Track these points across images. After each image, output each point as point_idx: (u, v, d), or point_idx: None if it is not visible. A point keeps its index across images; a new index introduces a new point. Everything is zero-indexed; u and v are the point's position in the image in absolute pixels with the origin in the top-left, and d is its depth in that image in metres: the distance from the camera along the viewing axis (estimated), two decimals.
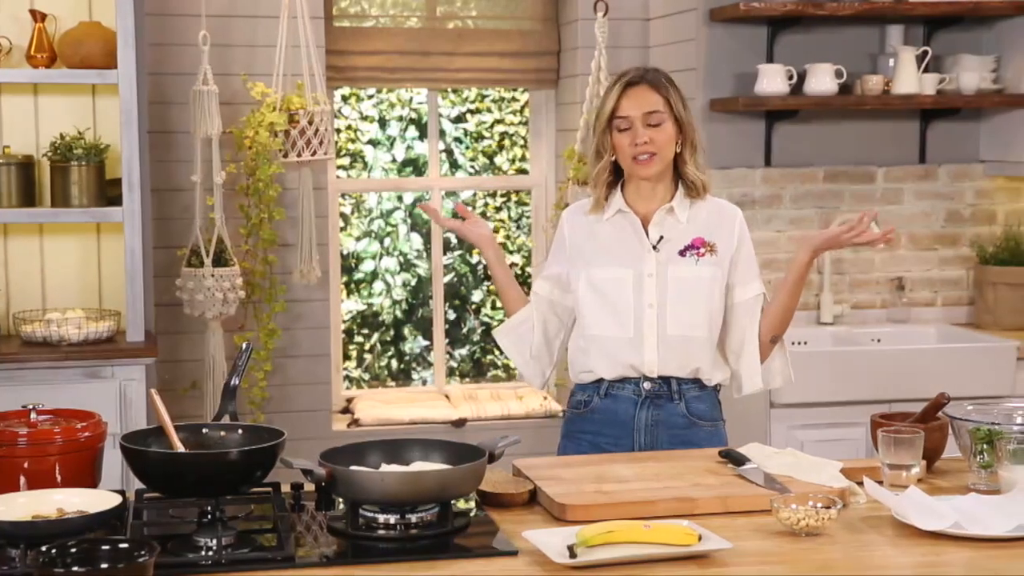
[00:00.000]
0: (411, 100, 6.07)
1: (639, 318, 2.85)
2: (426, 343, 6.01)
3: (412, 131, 6.10)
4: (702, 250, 2.87)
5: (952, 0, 4.46)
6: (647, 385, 2.86)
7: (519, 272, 6.12)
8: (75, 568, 1.91)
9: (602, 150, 2.88)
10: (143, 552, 1.94)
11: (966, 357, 4.26)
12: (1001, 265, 4.64)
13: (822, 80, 4.43)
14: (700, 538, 2.12)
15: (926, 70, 4.53)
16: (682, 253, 2.87)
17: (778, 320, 2.90)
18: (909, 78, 4.49)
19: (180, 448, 2.35)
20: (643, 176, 2.85)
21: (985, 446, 2.50)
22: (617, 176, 2.92)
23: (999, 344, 4.34)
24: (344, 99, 5.96)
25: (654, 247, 2.87)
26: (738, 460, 2.57)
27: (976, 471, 2.53)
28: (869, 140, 4.71)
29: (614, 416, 2.88)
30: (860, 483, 2.44)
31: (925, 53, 4.53)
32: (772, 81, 4.41)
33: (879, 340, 4.58)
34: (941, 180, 4.77)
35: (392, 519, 2.23)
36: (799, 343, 4.47)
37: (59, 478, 2.32)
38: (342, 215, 5.72)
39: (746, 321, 2.89)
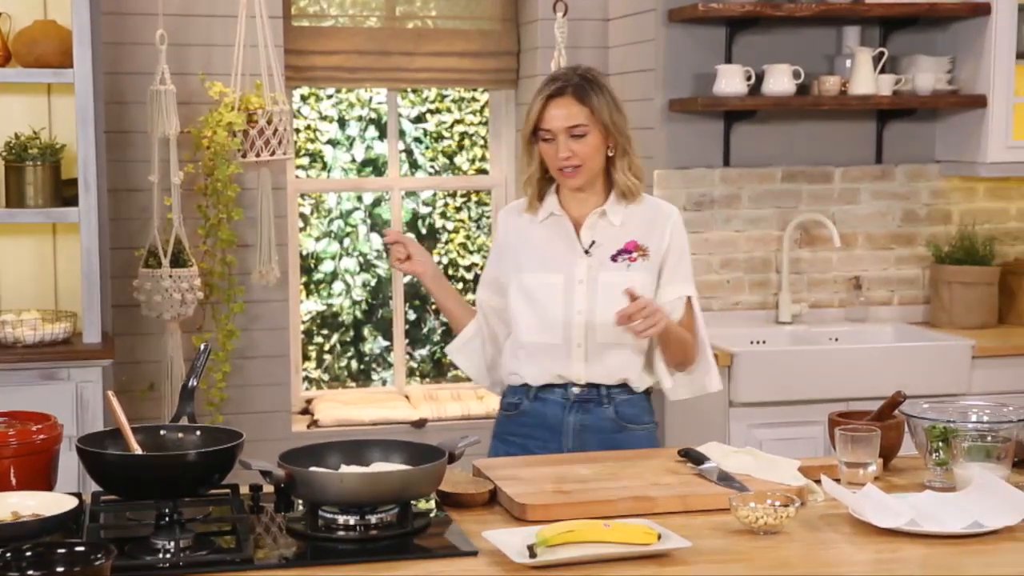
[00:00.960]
0: (370, 100, 6.06)
1: (568, 326, 2.83)
2: (386, 344, 5.99)
3: (372, 131, 6.08)
4: (634, 254, 2.84)
5: (908, 1, 4.50)
6: (575, 390, 2.86)
7: (479, 272, 6.12)
8: (30, 572, 1.90)
9: (530, 158, 2.86)
10: (100, 555, 1.92)
11: (922, 356, 4.30)
12: (956, 264, 4.69)
13: (780, 81, 4.46)
14: (659, 537, 2.13)
15: (882, 71, 4.57)
16: (614, 258, 2.84)
17: (669, 359, 2.88)
18: (866, 79, 4.52)
19: (137, 450, 2.33)
20: (569, 187, 2.84)
21: (941, 444, 2.53)
22: (551, 177, 2.88)
23: (954, 343, 4.39)
24: (303, 99, 5.94)
25: (586, 251, 2.85)
26: (697, 459, 2.58)
27: (932, 468, 2.55)
28: (826, 140, 4.74)
29: (543, 419, 2.87)
30: (818, 481, 2.45)
31: (881, 54, 4.57)
32: (731, 82, 4.43)
33: (837, 339, 4.61)
34: (897, 180, 4.81)
35: (352, 520, 2.23)
36: (757, 342, 4.50)
37: (14, 481, 2.30)
38: (301, 215, 5.70)
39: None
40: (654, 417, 2.96)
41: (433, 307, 6.16)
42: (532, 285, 2.86)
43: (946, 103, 4.61)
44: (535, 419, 2.88)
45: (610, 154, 2.83)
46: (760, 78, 4.50)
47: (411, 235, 2.82)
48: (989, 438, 2.46)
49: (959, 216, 4.86)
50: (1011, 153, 4.55)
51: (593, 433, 2.85)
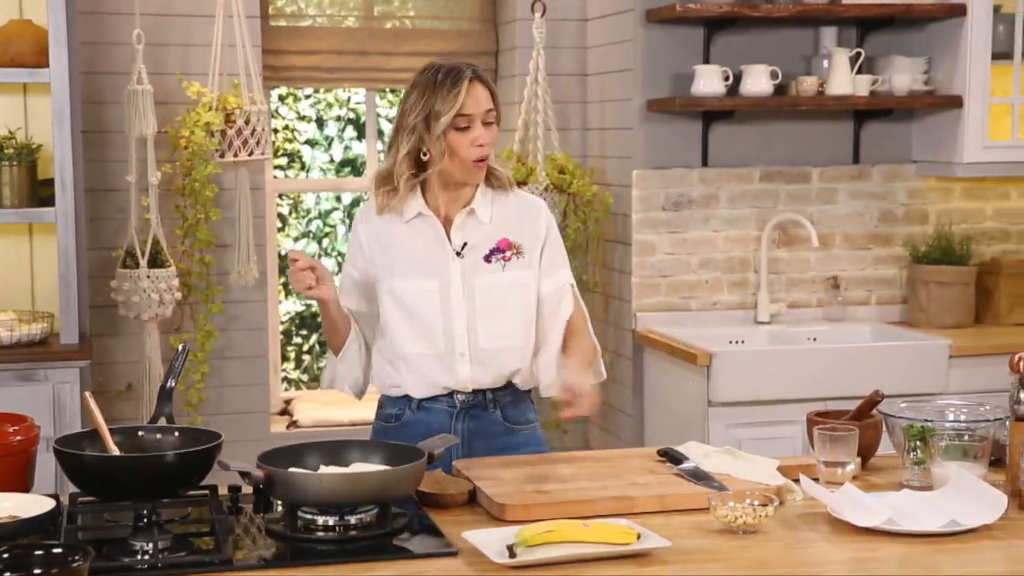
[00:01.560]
0: (349, 100, 6.05)
1: (448, 334, 2.73)
2: None
3: (350, 131, 6.08)
4: (508, 253, 2.77)
5: (884, 2, 4.52)
6: (461, 397, 2.78)
7: None
8: (7, 574, 1.89)
9: (434, 152, 2.68)
10: (77, 557, 1.91)
11: (900, 355, 4.32)
12: (933, 264, 4.71)
13: (758, 81, 4.47)
14: (639, 537, 2.13)
15: (859, 71, 4.59)
16: (487, 259, 2.75)
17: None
18: (843, 79, 4.54)
19: (115, 451, 2.32)
20: (476, 181, 2.75)
21: (918, 443, 2.54)
22: (415, 175, 2.75)
23: (932, 342, 4.41)
24: (281, 99, 5.93)
25: (457, 253, 2.75)
26: (676, 459, 2.58)
27: (910, 468, 2.57)
28: (804, 141, 4.76)
29: (428, 429, 2.71)
30: (796, 480, 2.46)
31: (858, 55, 4.59)
32: (708, 82, 4.44)
33: (815, 339, 4.63)
34: (874, 180, 4.83)
35: (331, 521, 2.23)
36: (736, 342, 4.51)
37: None
38: (280, 215, 5.69)
39: (547, 314, 2.79)
40: (537, 415, 2.90)
41: None
42: (405, 292, 2.74)
43: (922, 103, 4.63)
44: (419, 430, 2.74)
45: None
46: (738, 78, 4.51)
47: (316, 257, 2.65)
48: (966, 437, 2.48)
49: (936, 216, 4.88)
50: (987, 153, 4.58)
51: (482, 439, 2.78)
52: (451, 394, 2.78)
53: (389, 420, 2.84)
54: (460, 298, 2.74)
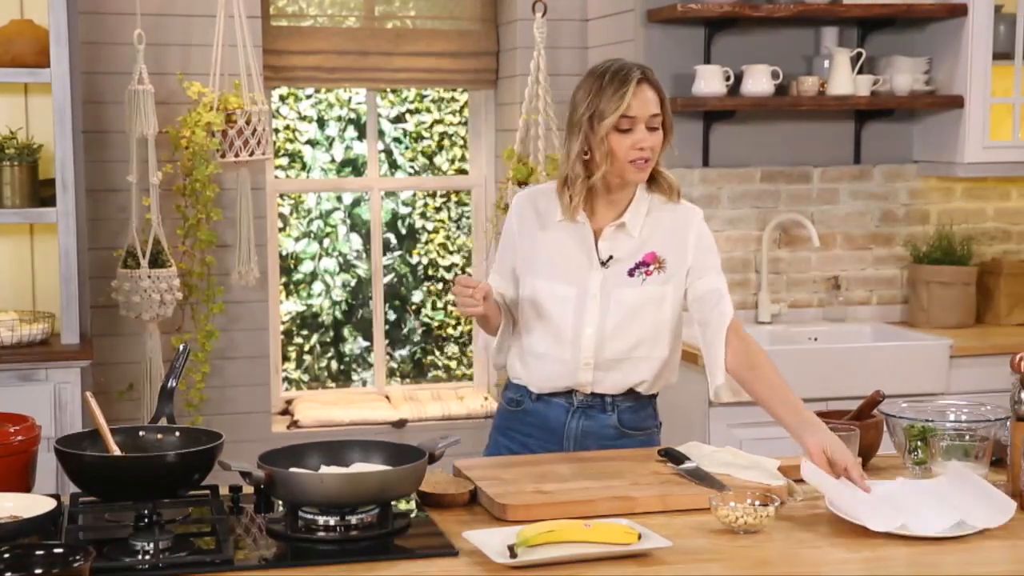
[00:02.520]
0: (350, 100, 6.05)
1: (577, 342, 2.77)
2: (366, 344, 5.99)
3: (351, 131, 6.07)
4: (651, 267, 2.76)
5: (885, 2, 4.52)
6: (579, 397, 2.82)
7: (459, 272, 6.12)
8: (9, 574, 1.89)
9: (598, 155, 2.66)
10: (78, 557, 1.91)
11: (900, 355, 4.32)
12: (934, 264, 4.71)
13: (759, 81, 4.47)
14: (640, 537, 2.13)
15: (860, 71, 4.59)
16: (631, 273, 2.76)
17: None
18: (844, 79, 4.54)
19: (116, 451, 2.33)
20: (635, 181, 2.71)
21: (919, 443, 2.54)
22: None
23: (932, 342, 4.40)
24: (282, 99, 5.93)
25: (603, 264, 2.75)
26: (677, 458, 2.58)
27: (910, 467, 2.57)
28: (805, 141, 4.75)
29: (545, 421, 2.83)
30: (798, 480, 2.46)
31: (859, 55, 4.58)
32: (709, 82, 4.44)
33: (816, 339, 4.63)
34: (875, 180, 4.83)
35: (332, 521, 2.22)
36: None
37: None
38: (281, 215, 5.69)
39: (701, 317, 2.77)
40: (658, 420, 2.92)
41: (413, 307, 6.15)
42: (544, 294, 2.77)
43: (923, 103, 4.63)
44: (537, 419, 2.84)
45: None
46: (739, 79, 4.51)
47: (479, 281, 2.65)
48: (967, 437, 2.48)
49: (937, 216, 4.88)
50: (988, 153, 4.58)
51: (595, 440, 2.82)
52: (570, 392, 2.81)
53: (511, 404, 2.89)
54: (595, 309, 2.75)
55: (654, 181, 2.79)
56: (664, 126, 2.70)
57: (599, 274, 2.76)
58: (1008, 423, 2.53)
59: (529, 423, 2.85)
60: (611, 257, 2.76)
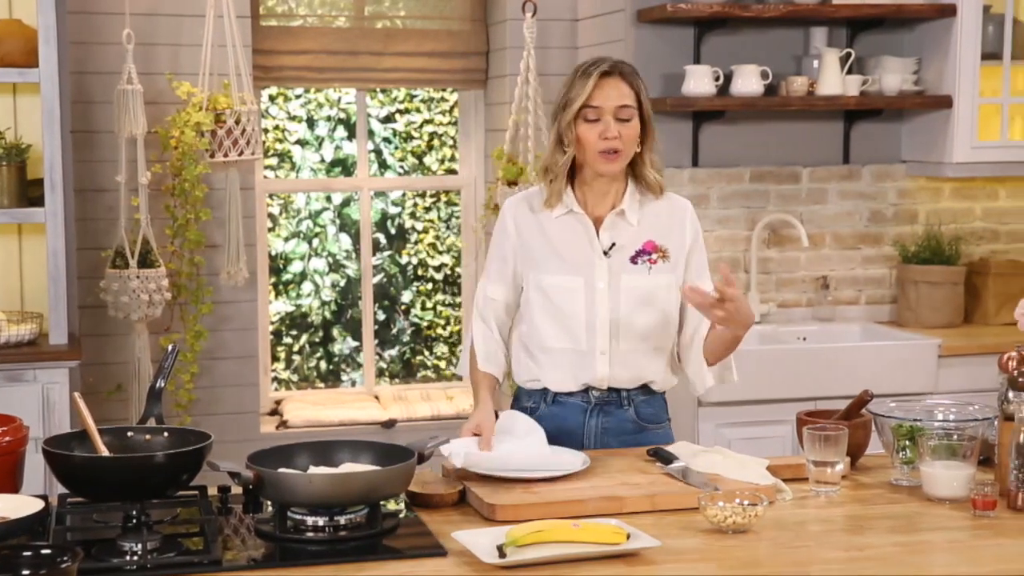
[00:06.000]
0: (339, 100, 6.04)
1: (591, 331, 2.78)
2: (355, 344, 5.98)
3: (341, 131, 6.07)
4: (654, 256, 2.79)
5: (874, 3, 4.53)
6: (596, 394, 2.82)
7: (449, 272, 6.12)
8: None
9: (566, 142, 2.74)
10: (66, 558, 1.91)
11: (889, 355, 4.33)
12: (922, 264, 4.72)
13: (748, 81, 4.48)
14: (629, 536, 2.13)
15: (849, 72, 4.60)
16: (633, 260, 2.78)
17: (720, 353, 2.82)
18: (833, 79, 4.55)
19: (104, 452, 2.32)
20: (604, 172, 2.74)
21: (908, 442, 2.55)
22: (571, 171, 2.80)
23: (921, 342, 4.42)
24: (271, 99, 5.92)
25: (605, 253, 2.78)
26: (666, 458, 2.59)
27: (899, 467, 2.57)
28: (794, 141, 4.76)
29: (562, 423, 2.82)
30: (787, 480, 2.47)
31: (848, 55, 4.59)
32: (699, 82, 4.45)
33: (805, 338, 4.64)
34: (864, 180, 4.84)
35: (321, 521, 2.22)
36: None
37: None
38: (270, 215, 5.68)
39: (696, 320, 2.80)
40: (668, 414, 2.94)
41: (402, 308, 6.15)
42: (552, 288, 2.79)
43: (912, 104, 4.64)
44: (554, 423, 2.80)
45: (638, 149, 2.76)
46: (728, 79, 4.52)
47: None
48: (955, 436, 2.48)
49: (925, 216, 4.89)
50: (976, 153, 4.59)
51: (614, 436, 2.83)
52: (587, 390, 2.82)
53: (525, 412, 2.85)
54: (604, 297, 2.77)
55: (639, 177, 2.81)
56: (642, 120, 2.74)
57: (603, 263, 2.79)
58: (996, 422, 2.54)
59: (545, 428, 2.75)
60: (613, 245, 2.79)
